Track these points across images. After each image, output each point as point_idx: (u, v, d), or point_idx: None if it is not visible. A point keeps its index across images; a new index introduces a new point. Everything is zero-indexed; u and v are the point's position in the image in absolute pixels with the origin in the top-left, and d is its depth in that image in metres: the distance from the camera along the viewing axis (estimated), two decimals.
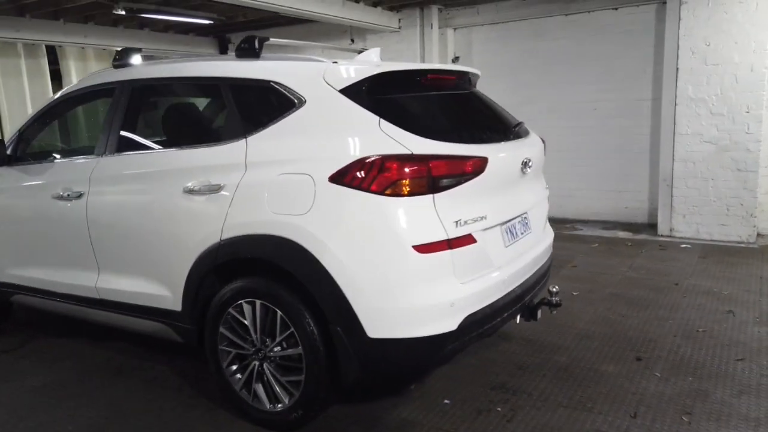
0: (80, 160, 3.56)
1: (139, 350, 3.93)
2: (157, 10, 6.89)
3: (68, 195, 3.48)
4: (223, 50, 10.03)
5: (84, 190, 3.42)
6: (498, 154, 2.90)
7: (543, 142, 3.64)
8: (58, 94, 3.87)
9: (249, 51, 3.11)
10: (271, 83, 2.90)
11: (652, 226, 7.00)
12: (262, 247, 2.73)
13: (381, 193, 2.50)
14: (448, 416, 2.99)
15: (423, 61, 8.07)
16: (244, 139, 2.89)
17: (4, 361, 3.92)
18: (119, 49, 3.66)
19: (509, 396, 3.17)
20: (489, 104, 3.49)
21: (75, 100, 3.79)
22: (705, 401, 3.06)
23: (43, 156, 3.79)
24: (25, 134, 3.92)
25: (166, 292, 3.14)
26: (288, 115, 2.81)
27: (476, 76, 3.51)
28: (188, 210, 2.98)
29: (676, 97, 6.45)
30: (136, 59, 3.57)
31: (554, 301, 3.22)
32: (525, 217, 3.27)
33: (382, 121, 2.63)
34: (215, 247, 2.86)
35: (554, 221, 7.52)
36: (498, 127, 3.28)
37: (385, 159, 2.51)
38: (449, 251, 2.58)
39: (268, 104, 2.91)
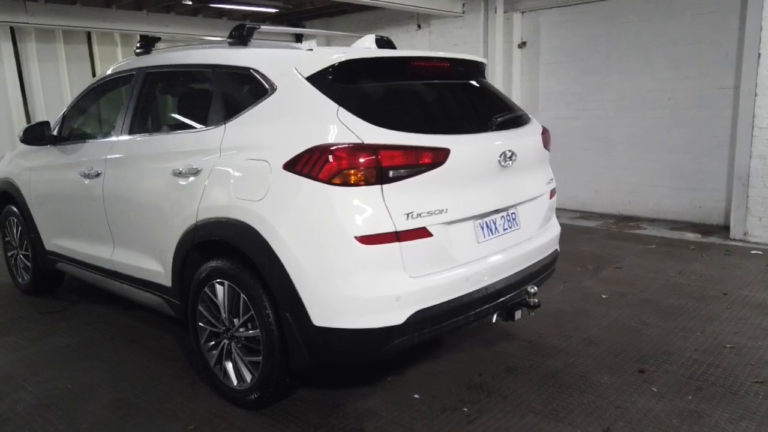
0: (102, 141, 3.85)
1: (158, 321, 4.20)
2: (224, 0, 7.20)
3: (90, 173, 3.77)
4: (299, 38, 10.28)
5: (101, 169, 3.69)
6: (464, 145, 2.78)
7: (545, 133, 3.42)
8: (93, 80, 4.19)
9: (239, 39, 3.19)
10: (251, 70, 2.96)
11: (726, 229, 6.38)
12: (226, 231, 2.82)
13: (328, 182, 2.48)
14: (411, 411, 2.94)
15: (486, 46, 7.84)
16: (223, 125, 2.99)
17: (46, 321, 4.35)
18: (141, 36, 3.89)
19: (482, 397, 3.06)
20: (477, 93, 3.33)
21: (105, 86, 4.08)
22: (694, 423, 2.78)
23: (80, 137, 4.13)
24: (67, 116, 4.28)
25: (160, 268, 3.33)
26: (261, 102, 2.86)
27: (471, 63, 3.34)
28: (174, 191, 3.13)
29: (756, 86, 5.79)
30: (156, 47, 3.79)
31: (531, 303, 3.04)
32: (511, 213, 3.12)
33: (341, 109, 2.61)
34: (192, 227, 2.99)
35: (619, 219, 7.12)
36: (476, 117, 3.14)
37: (333, 148, 2.49)
38: (397, 244, 2.52)
39: (246, 91, 2.98)
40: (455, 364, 3.45)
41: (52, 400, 3.16)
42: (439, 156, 2.64)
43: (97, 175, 3.72)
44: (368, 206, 2.49)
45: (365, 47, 3.43)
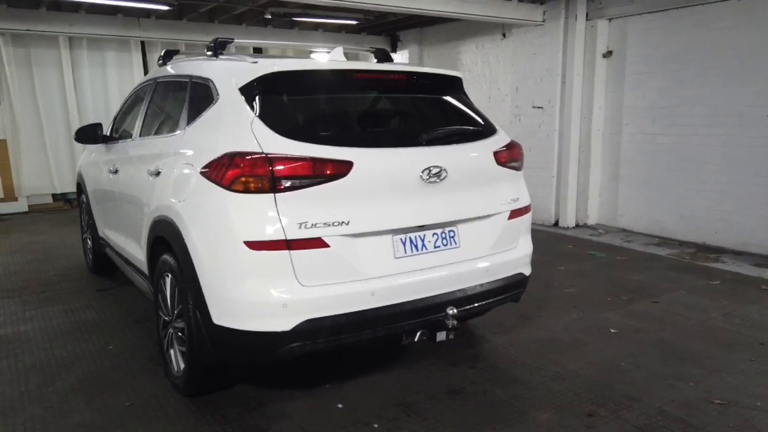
0: (124, 142, 4.34)
1: None
2: (303, 14, 7.62)
3: (112, 170, 4.28)
4: (394, 48, 10.53)
5: (119, 167, 4.17)
6: (373, 159, 2.75)
7: (512, 149, 3.24)
8: (135, 87, 4.72)
9: (212, 51, 3.44)
10: (209, 81, 3.19)
11: None
12: (164, 228, 3.07)
13: (228, 187, 2.62)
14: (322, 419, 2.97)
15: (565, 56, 7.43)
16: (183, 131, 3.26)
17: (92, 297, 4.98)
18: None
19: (402, 416, 2.99)
20: (424, 106, 3.24)
21: (137, 93, 4.58)
22: None
23: (116, 138, 4.68)
24: (115, 119, 4.87)
25: (143, 258, 3.69)
26: (207, 110, 3.08)
27: (427, 75, 3.27)
28: (147, 189, 3.46)
29: None
30: (175, 59, 4.18)
31: (449, 325, 2.90)
32: (448, 231, 3.02)
33: (256, 119, 2.73)
34: (153, 223, 3.29)
35: (700, 249, 6.37)
36: (404, 131, 3.06)
37: (235, 156, 2.62)
38: (287, 252, 2.58)
39: (203, 100, 3.21)
40: (401, 380, 3.39)
41: (42, 364, 3.64)
42: (341, 168, 2.65)
43: (116, 172, 4.20)
44: (260, 213, 2.58)
45: (331, 59, 3.51)
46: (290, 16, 7.80)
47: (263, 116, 2.74)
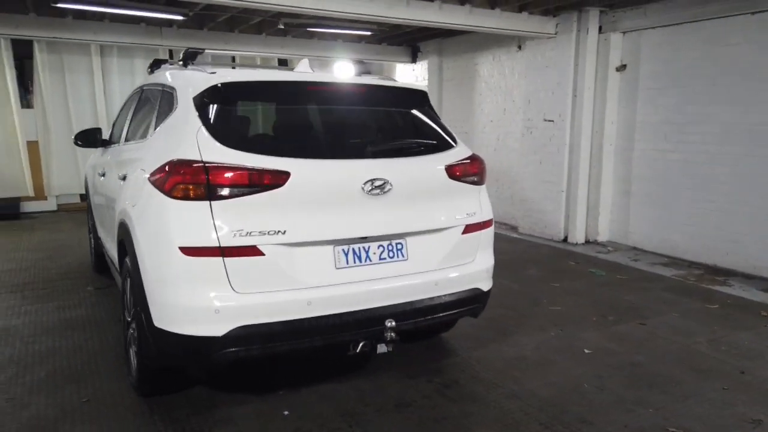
0: (111, 147, 4.50)
1: None
2: (316, 24, 7.75)
3: (102, 173, 4.45)
4: (414, 58, 10.56)
5: (106, 171, 4.33)
6: (312, 170, 2.78)
7: (472, 163, 3.23)
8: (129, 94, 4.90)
9: (183, 61, 3.55)
10: (174, 90, 3.29)
11: None
12: (120, 231, 3.18)
13: (168, 194, 2.70)
14: (265, 424, 3.00)
15: (576, 69, 7.31)
16: (149, 138, 3.37)
17: (87, 295, 5.17)
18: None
19: (344, 426, 3.00)
20: (375, 118, 3.27)
21: (129, 100, 4.75)
22: None
23: (109, 142, 4.86)
24: (113, 124, 5.06)
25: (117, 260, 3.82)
26: (167, 118, 3.17)
27: (373, 88, 3.28)
28: (117, 193, 3.59)
29: None
30: (163, 68, 4.33)
31: (387, 337, 2.89)
32: (396, 243, 3.03)
33: (202, 128, 2.81)
34: (117, 226, 3.41)
35: (708, 270, 6.16)
36: (349, 143, 3.08)
37: (176, 164, 2.71)
38: (221, 259, 2.64)
39: (166, 108, 3.32)
40: (356, 390, 3.40)
41: (19, 358, 3.80)
42: (278, 178, 2.70)
43: (104, 175, 4.37)
44: (195, 220, 2.64)
45: (298, 71, 3.56)
46: (304, 27, 7.94)
47: (209, 125, 2.81)
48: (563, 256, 6.89)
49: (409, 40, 10.18)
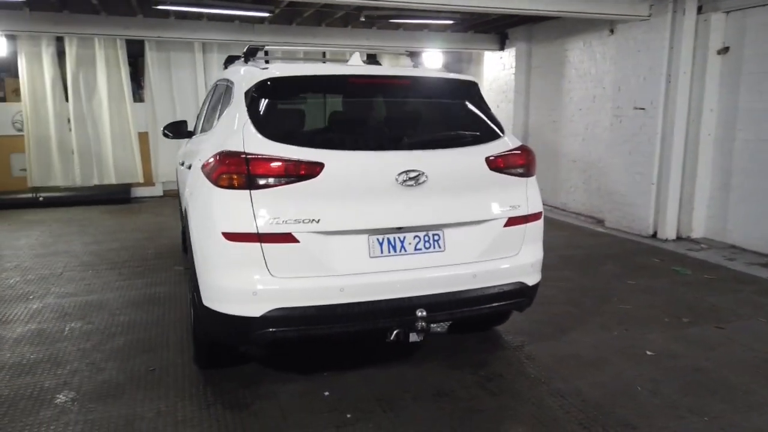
0: (192, 138, 4.85)
1: None
2: (397, 15, 7.81)
3: (184, 163, 4.81)
4: (502, 45, 10.33)
5: (185, 160, 4.69)
6: (346, 161, 2.86)
7: (516, 155, 3.17)
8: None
9: (244, 57, 3.76)
10: (233, 85, 3.50)
11: None
12: (183, 217, 3.45)
13: (214, 183, 2.90)
14: (304, 404, 3.14)
15: (671, 52, 6.82)
16: (211, 130, 3.62)
17: (170, 275, 5.62)
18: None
19: (378, 410, 3.08)
20: (421, 110, 3.27)
21: (208, 94, 5.08)
22: None
23: (192, 133, 5.22)
24: (197, 116, 5.45)
25: None
26: (225, 111, 3.40)
27: (417, 80, 3.29)
28: (184, 182, 3.89)
29: None
30: (235, 63, 4.61)
31: (418, 327, 2.92)
32: (433, 234, 3.06)
33: (248, 122, 2.99)
34: (182, 213, 3.70)
35: None
36: (386, 135, 3.11)
37: (222, 154, 2.90)
38: (259, 244, 2.80)
39: (226, 102, 3.54)
40: (398, 376, 3.46)
41: (105, 327, 4.24)
42: (312, 169, 2.81)
43: (182, 164, 4.73)
44: (236, 207, 2.82)
45: (349, 64, 3.65)
46: (385, 19, 8.02)
47: (254, 118, 2.98)
48: (648, 253, 6.51)
49: (497, 27, 9.96)
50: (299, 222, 2.82)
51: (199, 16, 8.44)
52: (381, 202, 2.93)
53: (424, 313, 2.93)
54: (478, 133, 3.26)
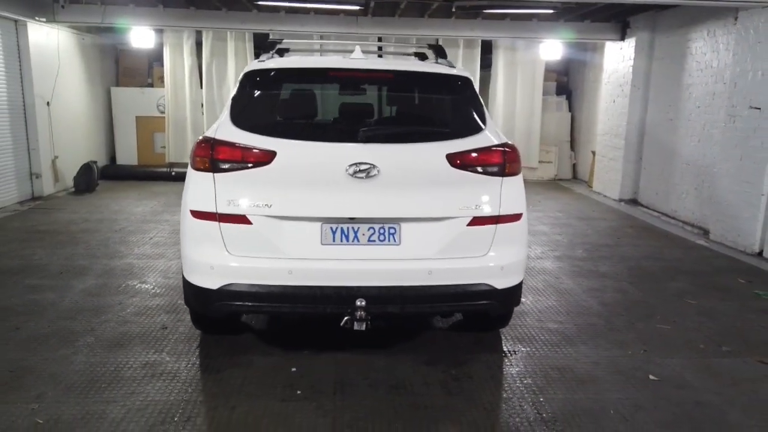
0: None
1: None
2: (490, 5, 7.62)
3: None
4: (622, 35, 9.56)
5: None
6: (297, 150, 2.98)
7: (474, 153, 3.09)
8: None
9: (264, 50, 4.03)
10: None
11: None
12: None
13: (191, 165, 3.22)
14: (265, 377, 3.36)
15: None
16: None
17: None
18: None
19: (328, 390, 3.21)
20: (383, 103, 3.29)
21: None
22: None
23: None
24: None
25: None
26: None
27: (391, 73, 3.32)
28: None
29: None
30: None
31: (357, 316, 2.96)
32: (389, 228, 3.11)
33: (228, 111, 3.26)
34: None
35: None
36: (345, 127, 3.14)
37: (199, 140, 3.20)
38: (217, 223, 3.07)
39: None
40: (368, 364, 3.54)
41: (136, 292, 4.83)
42: (264, 156, 2.99)
43: None
44: (203, 188, 3.11)
45: (351, 57, 3.73)
46: (479, 9, 7.86)
47: (233, 108, 3.24)
48: (738, 272, 5.73)
49: (617, 15, 9.23)
50: (254, 206, 3.03)
51: (307, 10, 8.96)
52: (332, 192, 3.03)
53: (363, 303, 2.99)
54: (448, 129, 3.20)
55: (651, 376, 3.49)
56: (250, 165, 3.03)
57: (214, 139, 3.09)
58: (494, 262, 3.19)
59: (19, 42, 8.18)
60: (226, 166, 3.06)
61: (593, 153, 10.59)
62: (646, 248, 6.57)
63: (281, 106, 3.54)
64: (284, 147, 3.03)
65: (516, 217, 3.22)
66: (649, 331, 4.18)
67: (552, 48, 10.45)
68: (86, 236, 6.41)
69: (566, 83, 12.12)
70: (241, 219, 3.05)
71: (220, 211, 3.05)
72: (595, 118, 10.67)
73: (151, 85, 11.11)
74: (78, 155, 9.43)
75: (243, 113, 3.22)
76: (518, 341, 3.93)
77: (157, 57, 10.93)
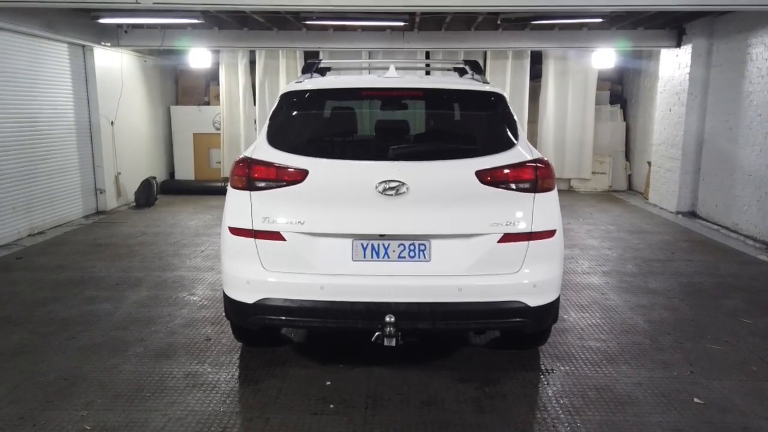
0: None
1: None
2: (535, 17, 7.56)
3: None
4: (678, 41, 9.25)
5: None
6: (327, 169, 3.05)
7: (503, 170, 3.08)
8: None
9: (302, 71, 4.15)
10: None
11: None
12: None
13: (231, 183, 3.35)
14: (302, 388, 3.44)
15: None
16: None
17: None
18: None
19: (360, 405, 3.25)
20: (413, 121, 3.34)
21: None
22: None
23: None
24: None
25: None
26: None
27: (421, 91, 3.37)
28: None
29: None
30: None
31: (386, 332, 2.99)
32: (419, 244, 3.15)
33: (265, 131, 3.38)
34: None
35: None
36: (375, 145, 3.19)
37: (237, 160, 3.33)
38: (253, 240, 3.18)
39: None
40: (403, 379, 3.56)
41: (185, 304, 5.02)
42: (297, 175, 3.09)
43: None
44: (240, 206, 3.23)
45: (386, 76, 3.77)
46: (524, 21, 7.80)
47: (269, 128, 3.36)
48: None
49: (672, 22, 8.95)
50: (288, 223, 3.12)
51: (354, 27, 9.13)
52: (363, 209, 3.09)
53: (393, 319, 3.02)
54: (478, 146, 3.21)
55: (696, 399, 3.35)
56: (284, 183, 3.14)
57: (250, 158, 3.22)
58: (527, 279, 3.16)
59: (86, 66, 8.72)
60: (262, 184, 3.18)
61: (649, 163, 10.26)
62: (700, 263, 6.30)
63: (316, 125, 3.63)
64: (316, 166, 3.12)
65: (549, 234, 3.19)
66: (697, 352, 4.01)
67: (604, 56, 10.23)
68: (143, 249, 6.72)
69: (620, 92, 11.83)
70: (276, 236, 3.15)
71: (256, 228, 3.17)
72: (651, 128, 10.35)
73: (208, 104, 11.56)
74: (139, 171, 9.91)
75: (279, 133, 3.34)
76: (557, 359, 3.86)
77: (213, 76, 11.38)
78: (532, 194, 3.16)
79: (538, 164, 3.18)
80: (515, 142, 3.26)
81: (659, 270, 6.01)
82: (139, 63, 10.16)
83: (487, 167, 3.11)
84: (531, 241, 3.14)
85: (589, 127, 11.03)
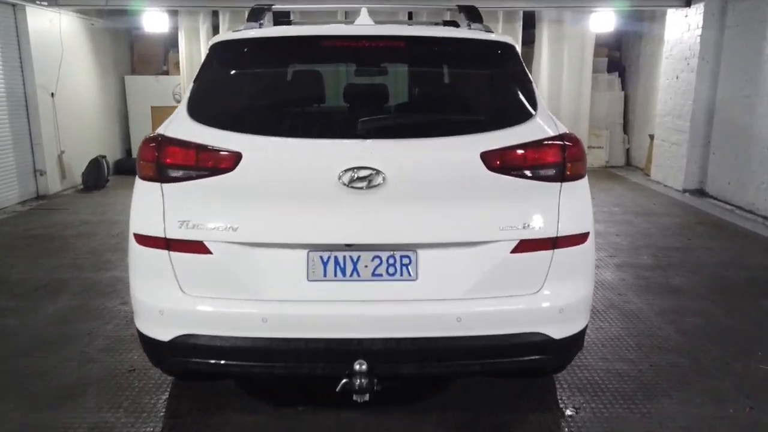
0: None
1: None
2: None
3: None
4: (688, 1, 8.34)
5: None
6: (269, 151, 2.12)
7: (517, 149, 2.17)
8: None
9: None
10: None
11: None
12: None
13: (137, 172, 2.39)
14: (271, 417, 2.58)
15: None
16: None
17: None
18: None
19: None
20: (396, 84, 2.42)
21: None
22: None
23: None
24: None
25: None
26: None
27: (403, 40, 2.41)
28: None
29: None
30: None
31: (355, 384, 2.10)
32: (401, 256, 2.22)
33: (186, 98, 2.42)
34: None
35: None
36: (337, 117, 2.28)
37: (146, 138, 2.37)
38: (167, 252, 2.24)
39: None
40: (382, 428, 2.70)
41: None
42: (227, 160, 2.14)
43: None
44: (148, 204, 2.29)
45: (356, 24, 2.82)
46: None
47: (195, 93, 2.40)
48: None
49: None
50: (213, 228, 2.18)
51: None
52: (321, 208, 2.17)
53: (364, 367, 2.12)
54: (483, 117, 2.28)
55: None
56: (208, 172, 2.19)
57: (162, 136, 2.26)
58: (550, 302, 2.27)
59: (18, 28, 7.56)
60: (178, 173, 2.22)
61: (651, 137, 9.42)
62: (723, 252, 5.50)
63: (256, 91, 2.63)
64: (253, 146, 2.17)
65: (581, 239, 2.29)
66: (750, 375, 3.20)
67: (603, 19, 9.28)
68: (79, 242, 5.73)
69: (619, 59, 10.90)
70: (198, 246, 2.21)
71: (170, 235, 2.22)
72: (653, 98, 9.47)
73: (167, 73, 10.43)
74: (88, 149, 8.80)
75: (205, 101, 2.37)
76: (579, 392, 3.01)
77: (173, 42, 10.23)
78: (558, 184, 2.25)
79: (566, 141, 2.26)
80: (533, 112, 2.34)
81: (678, 261, 5.18)
82: (85, 26, 8.97)
83: (497, 147, 2.17)
84: (556, 249, 2.25)
85: (585, 98, 10.12)
